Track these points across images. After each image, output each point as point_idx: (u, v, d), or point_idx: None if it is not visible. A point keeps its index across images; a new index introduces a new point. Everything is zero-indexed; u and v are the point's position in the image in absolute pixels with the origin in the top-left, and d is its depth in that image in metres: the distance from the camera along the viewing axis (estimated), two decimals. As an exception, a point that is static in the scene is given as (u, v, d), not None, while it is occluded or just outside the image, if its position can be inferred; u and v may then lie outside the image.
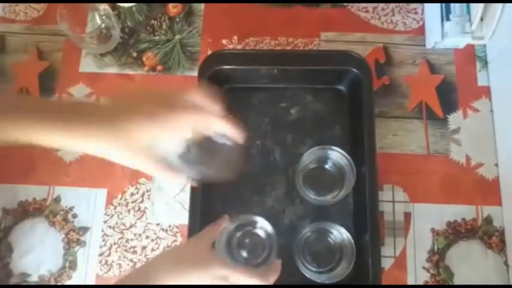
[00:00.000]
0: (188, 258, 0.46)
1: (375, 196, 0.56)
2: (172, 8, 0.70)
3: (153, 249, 0.61)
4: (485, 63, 0.66)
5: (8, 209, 0.63)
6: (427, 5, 0.68)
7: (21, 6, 0.72)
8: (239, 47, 0.68)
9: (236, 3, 0.70)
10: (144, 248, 0.61)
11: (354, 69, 0.60)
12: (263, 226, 0.55)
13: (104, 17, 0.64)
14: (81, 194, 0.63)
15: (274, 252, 0.53)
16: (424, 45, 0.67)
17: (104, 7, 0.64)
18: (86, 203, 0.63)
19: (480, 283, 0.58)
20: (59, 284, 0.60)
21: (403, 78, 0.66)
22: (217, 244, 0.53)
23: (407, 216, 0.61)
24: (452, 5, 0.64)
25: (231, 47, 0.68)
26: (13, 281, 0.60)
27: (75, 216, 0.62)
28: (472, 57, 0.67)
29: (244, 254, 0.57)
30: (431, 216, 0.60)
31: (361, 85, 0.60)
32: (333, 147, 0.56)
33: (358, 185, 0.56)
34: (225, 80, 0.63)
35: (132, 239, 0.61)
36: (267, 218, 0.55)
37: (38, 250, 0.61)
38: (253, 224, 0.57)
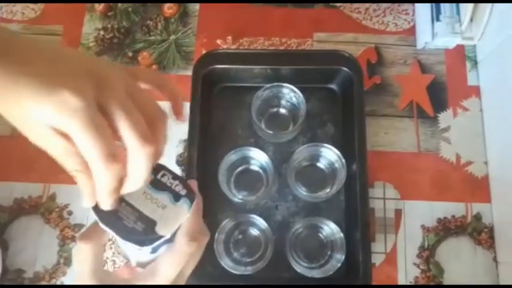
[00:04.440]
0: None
1: (365, 193, 0.57)
2: (168, 9, 0.71)
3: (147, 246, 0.61)
4: (475, 63, 0.67)
5: (3, 206, 0.63)
6: (417, 6, 0.70)
7: (19, 6, 0.72)
8: (233, 47, 0.69)
9: (230, 3, 0.71)
10: (138, 244, 0.62)
11: (346, 69, 0.62)
12: (259, 224, 0.56)
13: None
14: (77, 191, 0.63)
15: (270, 249, 0.54)
16: (415, 46, 0.69)
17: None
18: (81, 200, 0.63)
19: (469, 279, 0.59)
20: (54, 280, 0.61)
21: (394, 77, 0.67)
22: (216, 243, 0.54)
23: (398, 213, 0.61)
24: (442, 6, 0.65)
25: (225, 47, 0.69)
26: (8, 277, 0.61)
27: (70, 213, 0.63)
28: (462, 57, 0.68)
29: (241, 251, 0.58)
30: (421, 213, 0.61)
31: (352, 84, 0.61)
32: (325, 145, 0.57)
33: (349, 182, 0.57)
34: (219, 79, 0.64)
35: (126, 236, 0.62)
36: (260, 215, 0.56)
37: (33, 247, 0.62)
38: (250, 222, 0.58)
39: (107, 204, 0.30)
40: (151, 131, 0.30)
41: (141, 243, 0.30)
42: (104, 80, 0.28)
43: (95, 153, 0.27)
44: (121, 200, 0.31)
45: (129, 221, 0.31)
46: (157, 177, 0.33)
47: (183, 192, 0.33)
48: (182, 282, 0.34)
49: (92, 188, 0.29)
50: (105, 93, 0.27)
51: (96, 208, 0.31)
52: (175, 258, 0.32)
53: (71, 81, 0.26)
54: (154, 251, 0.32)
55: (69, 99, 0.25)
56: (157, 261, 0.33)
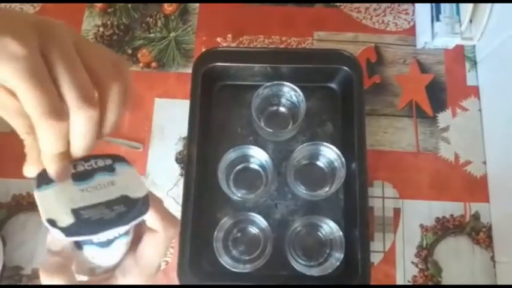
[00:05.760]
0: None
1: (364, 192, 0.57)
2: (168, 6, 0.71)
3: (145, 243, 0.61)
4: (474, 64, 0.68)
5: (1, 203, 0.63)
6: (417, 6, 0.70)
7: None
8: (233, 45, 0.69)
9: (230, 3, 0.71)
10: (137, 242, 0.61)
11: (346, 68, 0.62)
12: (258, 222, 0.56)
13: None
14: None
15: (269, 247, 0.54)
16: (415, 45, 0.69)
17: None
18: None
19: (467, 278, 0.59)
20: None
21: (394, 77, 0.67)
22: (215, 241, 0.54)
23: (397, 212, 0.62)
24: (442, 6, 0.65)
25: (225, 45, 0.69)
26: (6, 274, 0.61)
27: (68, 210, 0.63)
28: (461, 57, 0.68)
29: (240, 249, 0.58)
30: (420, 212, 0.62)
31: (352, 83, 0.61)
32: (324, 144, 0.57)
33: (348, 180, 0.57)
34: (218, 77, 0.64)
35: (125, 233, 0.62)
36: (260, 213, 0.56)
37: (31, 243, 0.62)
38: (249, 220, 0.58)
39: (52, 170, 0.27)
40: (100, 95, 0.28)
41: (140, 213, 0.28)
42: (50, 30, 0.26)
43: (37, 107, 0.24)
44: (76, 212, 0.27)
45: (106, 214, 0.27)
46: (74, 171, 0.29)
47: (108, 161, 0.30)
48: (159, 269, 0.34)
49: (37, 151, 0.27)
50: (50, 42, 0.25)
51: (70, 229, 0.26)
52: (161, 248, 0.31)
53: (12, 29, 0.24)
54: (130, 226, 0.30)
55: (11, 44, 0.24)
56: (140, 253, 0.31)
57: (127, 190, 0.29)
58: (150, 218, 0.32)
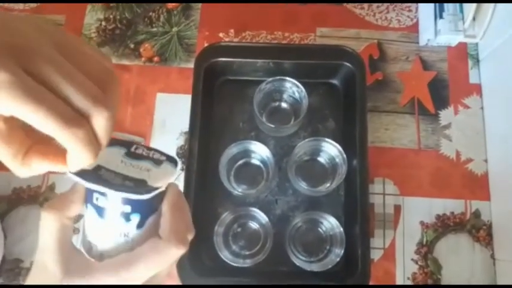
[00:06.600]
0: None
1: (365, 188, 0.57)
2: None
3: (146, 238, 0.61)
4: (476, 61, 0.67)
5: (1, 196, 0.63)
6: (421, 3, 0.70)
7: (20, -5, 0.72)
8: (235, 40, 0.69)
9: (233, 3, 0.71)
10: (137, 236, 0.61)
11: (348, 64, 0.61)
12: (259, 218, 0.56)
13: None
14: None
15: (269, 242, 0.54)
16: (418, 42, 0.69)
17: None
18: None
19: (467, 276, 0.59)
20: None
21: (396, 74, 0.67)
22: (216, 236, 0.54)
23: (397, 208, 0.62)
24: (445, 3, 0.65)
25: (227, 40, 0.69)
26: (6, 267, 0.61)
27: (69, 203, 0.63)
28: (464, 55, 0.68)
29: (240, 244, 0.58)
30: (420, 209, 0.61)
31: (354, 79, 0.61)
32: (326, 140, 0.57)
33: (349, 177, 0.57)
34: (221, 72, 0.64)
35: (125, 227, 0.62)
36: (260, 208, 0.56)
37: (31, 237, 0.62)
38: (250, 216, 0.58)
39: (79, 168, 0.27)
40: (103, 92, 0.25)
41: (138, 192, 0.28)
42: (25, 46, 0.23)
43: (51, 122, 0.23)
44: (99, 167, 0.29)
45: (116, 180, 0.28)
46: (131, 150, 0.31)
47: (163, 158, 0.31)
48: (156, 283, 0.31)
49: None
50: (31, 58, 0.23)
51: (77, 171, 0.28)
52: (158, 259, 0.29)
53: None
54: (141, 224, 0.30)
55: None
56: (136, 253, 0.29)
57: (150, 179, 0.30)
58: (163, 220, 0.30)
